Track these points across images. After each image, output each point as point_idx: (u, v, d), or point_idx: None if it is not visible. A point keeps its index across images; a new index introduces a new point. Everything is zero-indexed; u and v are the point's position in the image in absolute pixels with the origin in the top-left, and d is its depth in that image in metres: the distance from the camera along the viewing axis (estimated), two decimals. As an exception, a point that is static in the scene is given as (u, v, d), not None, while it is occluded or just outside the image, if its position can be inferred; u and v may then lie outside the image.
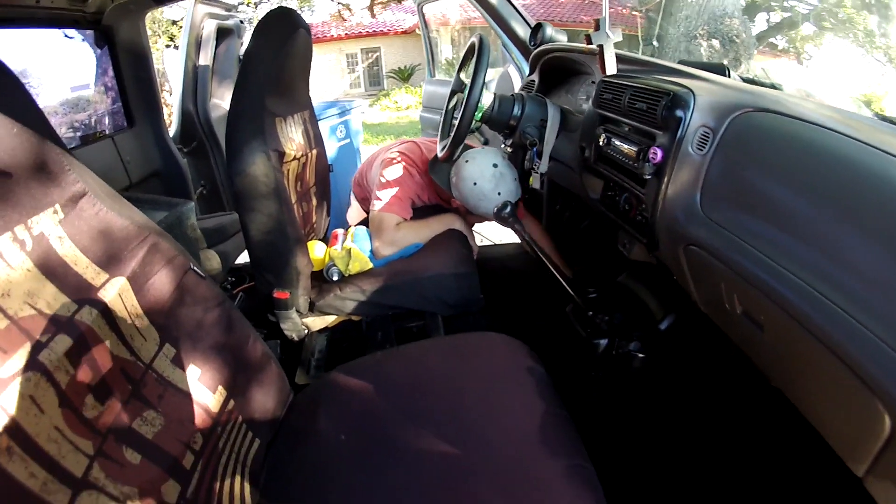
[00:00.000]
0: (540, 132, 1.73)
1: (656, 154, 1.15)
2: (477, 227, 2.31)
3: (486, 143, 2.89)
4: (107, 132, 2.58)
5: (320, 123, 3.16)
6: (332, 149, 3.48)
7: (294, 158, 1.69)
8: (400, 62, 17.91)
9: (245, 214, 1.56)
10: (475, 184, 1.84)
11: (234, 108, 1.53)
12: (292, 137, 1.69)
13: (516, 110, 1.75)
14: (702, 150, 1.02)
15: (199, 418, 0.93)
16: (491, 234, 3.49)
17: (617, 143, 1.34)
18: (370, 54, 18.86)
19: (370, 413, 1.12)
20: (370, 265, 1.85)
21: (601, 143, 1.40)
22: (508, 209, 1.73)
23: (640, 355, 1.62)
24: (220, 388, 1.00)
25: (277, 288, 1.65)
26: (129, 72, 2.58)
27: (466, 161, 1.87)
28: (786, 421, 1.38)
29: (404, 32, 17.92)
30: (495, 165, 1.86)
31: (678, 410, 1.68)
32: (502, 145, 1.97)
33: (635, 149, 1.23)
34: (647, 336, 1.64)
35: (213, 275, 1.63)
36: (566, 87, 1.96)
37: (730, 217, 0.93)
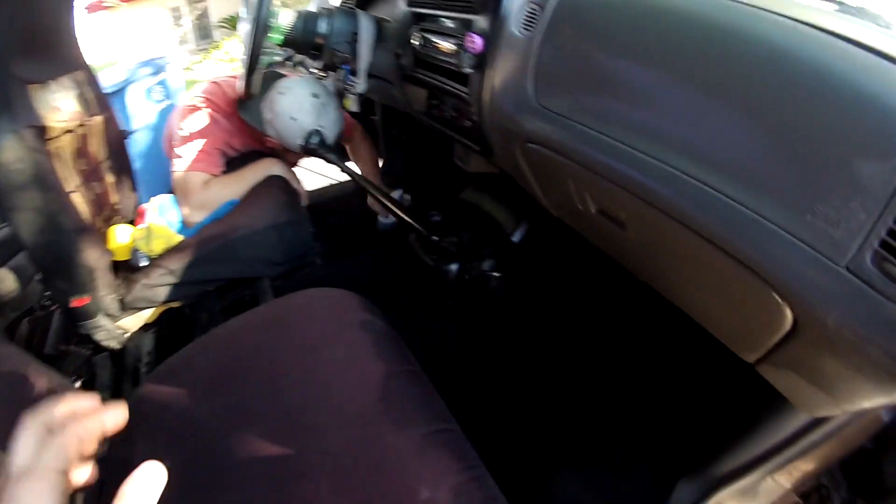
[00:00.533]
0: (352, 48, 1.52)
1: (475, 42, 1.00)
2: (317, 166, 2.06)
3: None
4: None
5: (132, 87, 2.86)
6: (151, 114, 3.11)
7: (66, 131, 1.37)
8: (231, 9, 16.23)
9: (9, 215, 1.24)
10: (293, 118, 1.61)
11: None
12: (58, 106, 1.35)
13: (322, 27, 1.51)
14: (529, 30, 0.88)
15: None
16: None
17: (434, 40, 1.17)
18: (196, 5, 17.14)
19: (190, 423, 0.93)
20: (177, 239, 1.57)
21: (417, 46, 1.23)
22: (316, 139, 1.54)
23: (496, 274, 1.50)
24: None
25: (73, 295, 1.36)
26: None
27: (281, 93, 1.63)
28: (662, 319, 1.36)
29: None
30: (315, 95, 1.64)
31: (547, 332, 1.59)
32: (313, 70, 1.73)
33: (453, 43, 1.08)
34: (501, 252, 1.54)
35: (11, 297, 1.29)
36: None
37: (570, 103, 0.81)
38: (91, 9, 15.32)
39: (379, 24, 1.55)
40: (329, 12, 1.52)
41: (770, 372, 0.72)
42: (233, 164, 1.75)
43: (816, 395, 0.67)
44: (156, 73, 3.25)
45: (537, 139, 0.88)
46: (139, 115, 2.97)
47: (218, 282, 1.54)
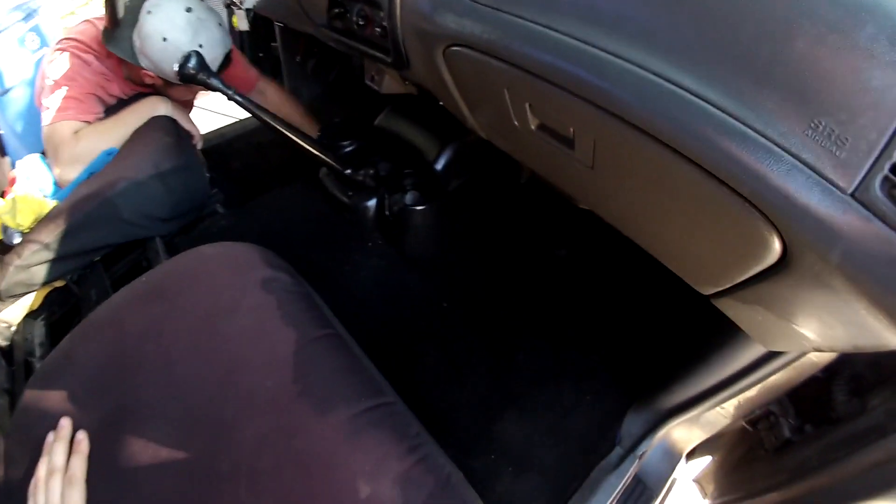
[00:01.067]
0: (229, -47, 1.28)
1: None
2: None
3: None
4: None
5: (0, 36, 2.41)
6: (27, 66, 2.69)
7: None
8: None
9: None
10: (165, 39, 1.36)
11: None
12: None
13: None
14: None
15: None
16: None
17: None
18: None
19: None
20: (47, 207, 1.32)
21: None
22: (193, 61, 1.29)
23: (419, 207, 1.33)
24: None
25: None
26: None
27: (149, 12, 1.37)
28: (606, 246, 1.34)
29: None
30: (189, 10, 1.38)
31: (481, 267, 1.46)
32: None
33: None
34: (425, 183, 1.39)
35: None
36: None
37: None
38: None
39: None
40: None
41: (731, 306, 0.67)
42: (111, 112, 1.49)
43: (785, 332, 0.62)
44: (27, 18, 2.78)
45: (463, 39, 0.74)
46: (13, 69, 2.58)
47: (102, 250, 1.32)
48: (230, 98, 1.30)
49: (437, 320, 1.34)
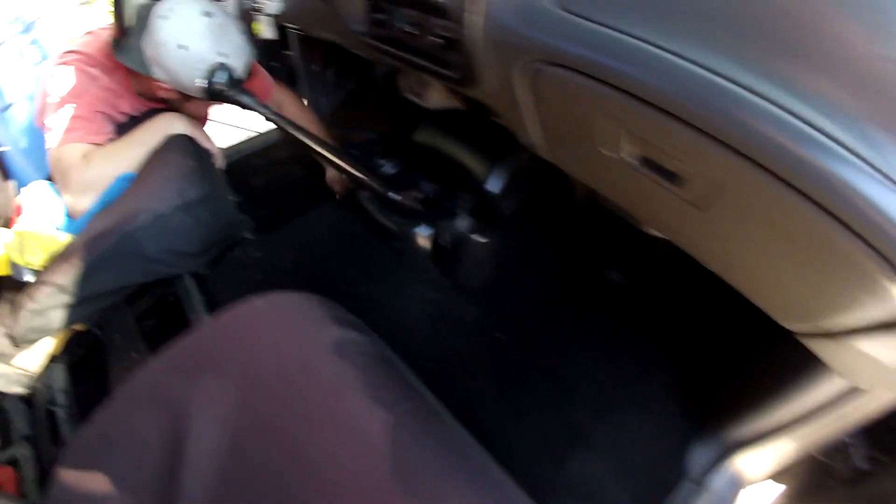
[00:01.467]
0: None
1: None
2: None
3: None
4: None
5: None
6: (29, 80, 2.62)
7: None
8: None
9: None
10: (183, 47, 1.22)
11: None
12: None
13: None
14: None
15: None
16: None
17: None
18: None
19: None
20: (57, 243, 1.19)
21: None
22: (221, 75, 1.16)
23: (479, 238, 1.22)
24: None
25: None
26: None
27: (163, 17, 1.23)
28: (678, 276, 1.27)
29: None
30: (208, 14, 1.25)
31: (547, 297, 1.37)
32: None
33: None
34: (477, 207, 1.28)
35: None
36: None
37: (617, 3, 0.61)
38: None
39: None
40: None
41: (826, 346, 0.65)
42: (123, 132, 1.35)
43: (889, 376, 0.61)
44: (26, 30, 2.69)
45: (556, 57, 0.67)
46: (14, 83, 2.50)
47: (125, 290, 1.19)
48: (267, 118, 1.18)
49: (492, 353, 1.26)
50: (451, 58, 0.85)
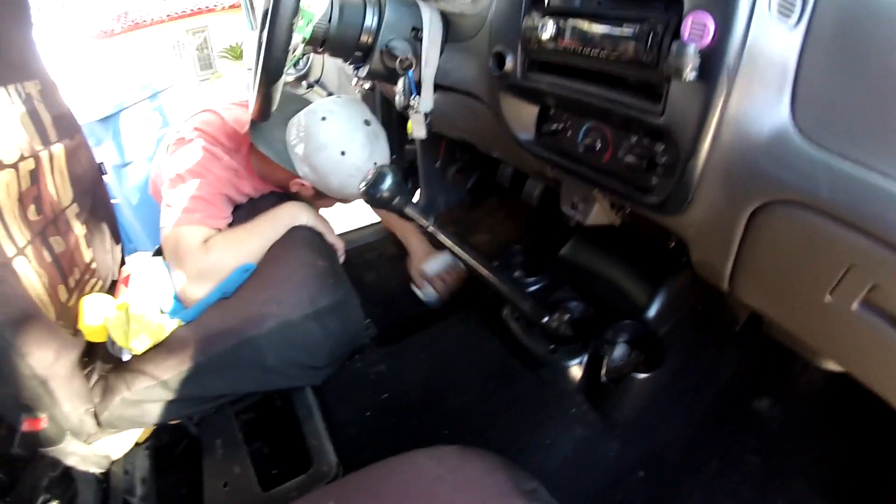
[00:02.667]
0: (414, 48, 1.10)
1: (703, 27, 0.61)
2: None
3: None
4: None
5: (124, 114, 2.55)
6: (149, 143, 2.80)
7: (3, 166, 0.93)
8: (231, 39, 16.53)
9: None
10: (344, 154, 1.21)
11: None
12: None
13: (369, 18, 1.09)
14: (788, 17, 0.58)
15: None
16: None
17: (582, 27, 0.77)
18: (197, 35, 17.32)
19: None
20: (165, 332, 1.10)
21: (544, 37, 0.82)
22: (388, 182, 1.07)
23: (642, 375, 1.10)
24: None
25: (24, 412, 0.92)
26: None
27: (324, 119, 1.23)
28: None
29: (233, 7, 16.56)
30: (367, 123, 1.26)
31: (684, 427, 1.21)
32: (354, 81, 1.30)
33: (632, 30, 0.69)
34: (636, 336, 1.17)
35: None
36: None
37: (863, 143, 0.55)
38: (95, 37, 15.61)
39: (445, 17, 1.14)
40: (375, 1, 1.11)
41: None
42: (240, 213, 1.32)
43: None
44: (153, 97, 2.97)
45: (808, 199, 0.60)
46: (134, 144, 2.68)
47: (231, 396, 1.12)
48: (425, 230, 1.12)
49: (633, 491, 1.12)
50: (652, 182, 0.77)
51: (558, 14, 0.81)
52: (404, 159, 1.82)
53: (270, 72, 0.97)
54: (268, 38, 0.91)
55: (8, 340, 0.87)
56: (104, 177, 1.39)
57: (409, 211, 1.09)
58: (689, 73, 0.60)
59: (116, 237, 1.38)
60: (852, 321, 0.63)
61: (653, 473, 1.16)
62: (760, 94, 0.61)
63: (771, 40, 0.59)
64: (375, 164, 1.22)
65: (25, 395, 0.92)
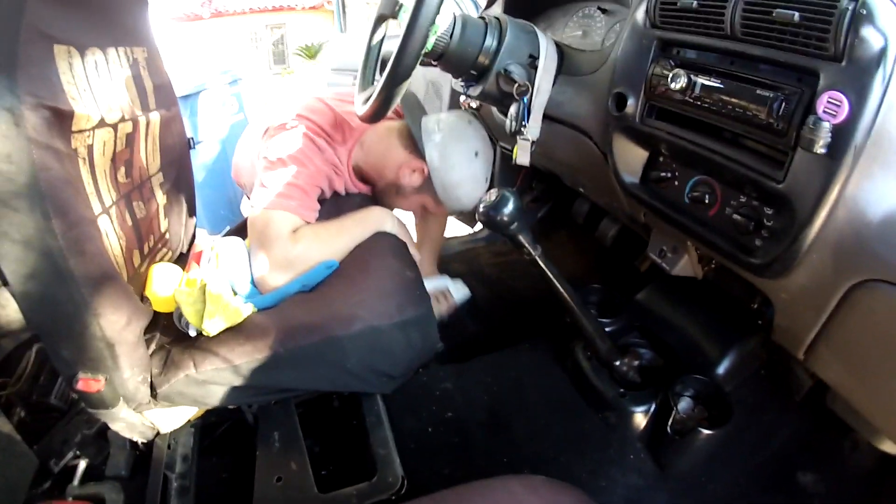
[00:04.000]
0: (529, 75, 1.15)
1: (839, 105, 0.65)
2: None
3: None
4: None
5: (203, 95, 2.70)
6: (222, 125, 3.01)
7: (105, 125, 0.97)
8: (307, 39, 17.70)
9: None
10: (477, 154, 1.39)
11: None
12: (96, 87, 0.95)
13: (489, 39, 1.14)
14: None
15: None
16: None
17: (715, 83, 0.82)
18: (275, 30, 18.49)
19: None
20: (241, 317, 1.12)
21: (674, 87, 0.87)
22: (511, 206, 1.13)
23: (707, 431, 1.13)
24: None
25: (82, 370, 0.94)
26: None
27: (469, 122, 1.40)
28: None
29: (312, 8, 17.89)
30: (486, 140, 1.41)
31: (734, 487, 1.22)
32: (464, 97, 1.37)
33: (768, 96, 0.74)
34: (703, 390, 1.21)
35: (12, 326, 0.90)
36: (543, 18, 1.44)
37: None
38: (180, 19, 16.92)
39: (560, 49, 1.19)
40: (497, 22, 1.16)
41: None
42: (322, 209, 1.36)
43: None
44: (232, 83, 3.18)
45: None
46: (208, 125, 2.85)
47: (297, 391, 1.16)
48: (529, 256, 1.18)
49: None
50: (755, 243, 0.82)
51: (690, 67, 0.86)
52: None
53: (398, 75, 1.01)
54: (402, 42, 0.96)
55: (85, 298, 0.88)
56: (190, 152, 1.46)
57: (521, 238, 1.14)
58: (820, 148, 0.65)
59: (192, 211, 1.43)
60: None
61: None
62: (881, 174, 0.66)
63: None
64: (487, 180, 1.36)
65: (89, 356, 0.93)
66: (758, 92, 0.74)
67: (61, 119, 0.84)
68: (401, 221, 1.39)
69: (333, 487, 1.04)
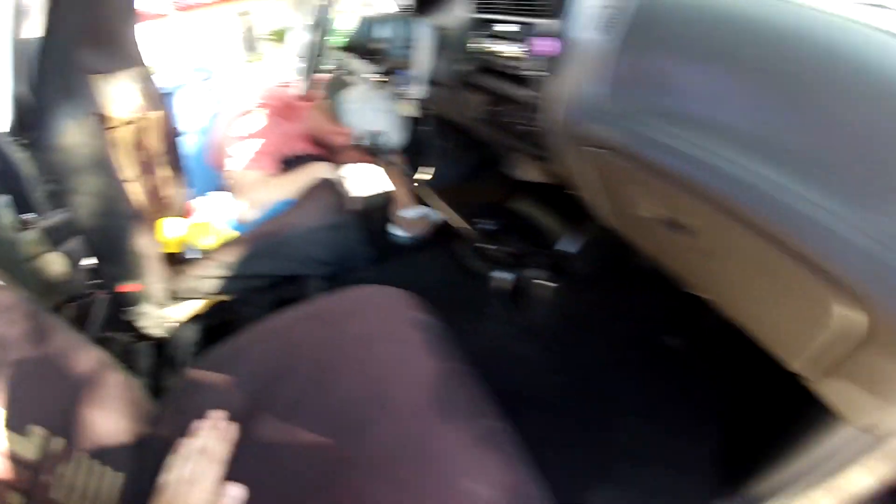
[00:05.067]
0: (409, 54, 1.65)
1: (549, 45, 1.07)
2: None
3: None
4: None
5: (182, 91, 3.02)
6: (200, 118, 3.18)
7: (127, 123, 1.55)
8: (275, 24, 17.15)
9: (69, 198, 1.38)
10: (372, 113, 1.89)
11: (39, 66, 1.28)
12: (122, 98, 1.54)
13: (378, 31, 1.66)
14: (609, 34, 0.94)
15: (13, 474, 0.78)
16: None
17: (497, 45, 1.27)
18: (244, 18, 18.13)
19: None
20: (230, 235, 1.78)
21: (478, 52, 1.34)
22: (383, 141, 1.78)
23: (549, 283, 1.64)
24: (33, 427, 0.83)
25: (123, 280, 1.52)
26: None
27: (369, 92, 1.89)
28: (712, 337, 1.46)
29: None
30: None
31: (592, 344, 1.66)
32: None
33: (519, 48, 1.18)
34: (552, 263, 1.67)
35: (62, 280, 1.36)
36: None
37: (649, 108, 0.87)
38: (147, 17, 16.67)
39: (438, 31, 1.68)
40: (388, 18, 1.67)
41: (826, 387, 0.76)
42: (288, 166, 1.97)
43: (875, 406, 0.71)
44: (206, 79, 3.46)
45: (613, 145, 0.94)
46: (188, 118, 3.01)
47: (267, 277, 1.72)
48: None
49: (545, 390, 1.52)
50: (536, 141, 1.21)
51: (486, 36, 1.30)
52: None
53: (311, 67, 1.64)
54: (311, 43, 1.56)
55: (128, 229, 1.49)
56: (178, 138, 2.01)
57: (394, 160, 1.72)
58: (539, 72, 1.11)
59: (185, 181, 1.97)
60: (661, 229, 0.93)
61: (567, 377, 1.54)
62: (586, 81, 0.98)
63: (595, 48, 0.96)
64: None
65: (129, 267, 1.50)
66: (516, 46, 1.18)
67: (102, 121, 1.40)
68: (338, 171, 1.99)
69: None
